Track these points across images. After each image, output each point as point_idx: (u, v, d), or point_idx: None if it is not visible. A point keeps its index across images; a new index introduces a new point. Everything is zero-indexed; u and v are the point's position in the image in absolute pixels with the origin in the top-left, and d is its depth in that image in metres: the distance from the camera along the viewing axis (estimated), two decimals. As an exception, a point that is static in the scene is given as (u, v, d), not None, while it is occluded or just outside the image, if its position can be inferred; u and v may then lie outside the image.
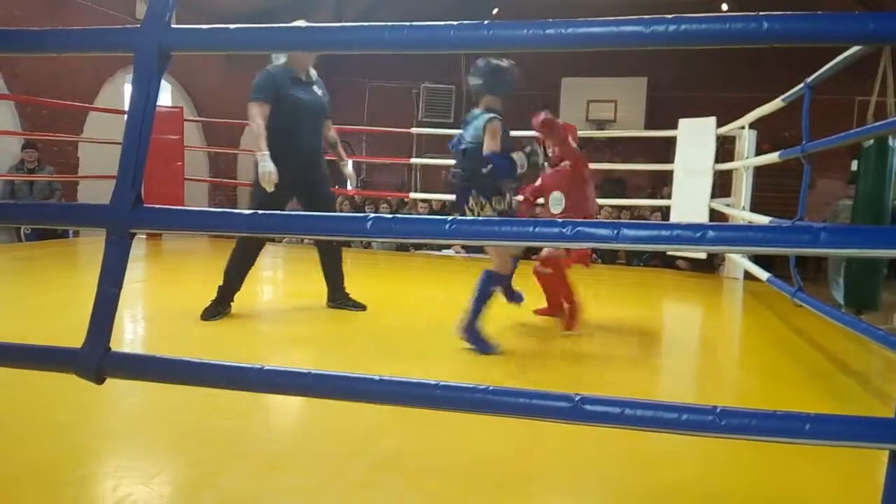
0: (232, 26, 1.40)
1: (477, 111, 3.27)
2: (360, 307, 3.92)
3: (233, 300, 3.65)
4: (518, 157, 3.14)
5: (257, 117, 3.46)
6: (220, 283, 3.62)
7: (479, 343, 3.04)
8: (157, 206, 1.42)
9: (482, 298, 3.08)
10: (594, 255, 3.62)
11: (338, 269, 3.98)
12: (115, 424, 2.13)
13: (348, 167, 3.86)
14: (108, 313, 1.43)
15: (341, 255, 4.03)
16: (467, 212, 3.17)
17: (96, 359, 1.45)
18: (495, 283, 3.14)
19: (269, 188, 3.42)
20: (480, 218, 1.40)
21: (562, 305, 3.57)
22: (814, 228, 1.17)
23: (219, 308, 3.58)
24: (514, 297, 3.59)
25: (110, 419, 2.17)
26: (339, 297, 3.95)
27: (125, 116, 1.46)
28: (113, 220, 1.40)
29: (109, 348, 1.48)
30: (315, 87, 3.73)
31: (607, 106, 12.02)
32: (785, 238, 1.18)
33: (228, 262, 3.67)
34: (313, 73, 3.74)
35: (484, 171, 3.08)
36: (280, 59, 3.59)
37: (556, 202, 3.57)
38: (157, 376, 1.54)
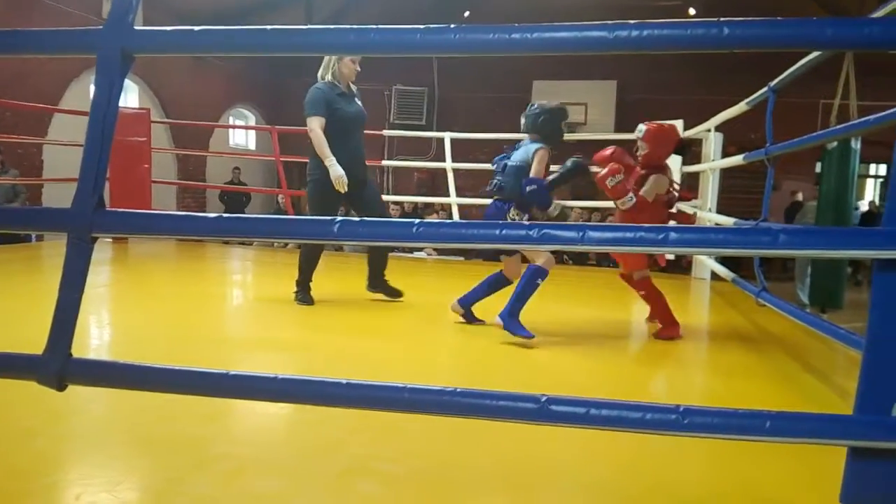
0: (196, 28, 1.39)
1: (529, 139, 3.60)
2: (397, 294, 4.28)
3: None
4: (556, 203, 3.51)
5: (317, 129, 3.89)
6: (297, 276, 4.12)
7: (518, 330, 3.29)
8: (119, 209, 1.40)
9: (527, 291, 3.36)
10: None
11: (380, 258, 4.32)
12: (80, 431, 2.09)
13: (335, 173, 4.07)
14: (69, 319, 1.41)
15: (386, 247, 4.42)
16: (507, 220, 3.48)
17: (57, 365, 1.43)
18: (541, 277, 3.38)
19: (342, 189, 3.89)
20: (448, 221, 1.42)
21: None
22: (773, 230, 1.19)
23: (306, 296, 4.10)
24: (472, 319, 3.74)
25: (75, 426, 2.13)
26: (377, 284, 4.29)
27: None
28: (74, 225, 1.38)
29: (71, 354, 1.46)
30: (356, 100, 4.14)
31: (578, 109, 12.12)
32: (745, 240, 1.20)
33: (300, 257, 4.15)
34: (353, 86, 4.14)
35: (526, 190, 3.41)
36: (326, 76, 3.99)
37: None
38: (121, 382, 1.51)
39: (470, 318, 3.69)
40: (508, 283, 3.61)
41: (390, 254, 8.27)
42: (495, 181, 3.59)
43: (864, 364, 1.29)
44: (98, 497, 1.61)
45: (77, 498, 1.62)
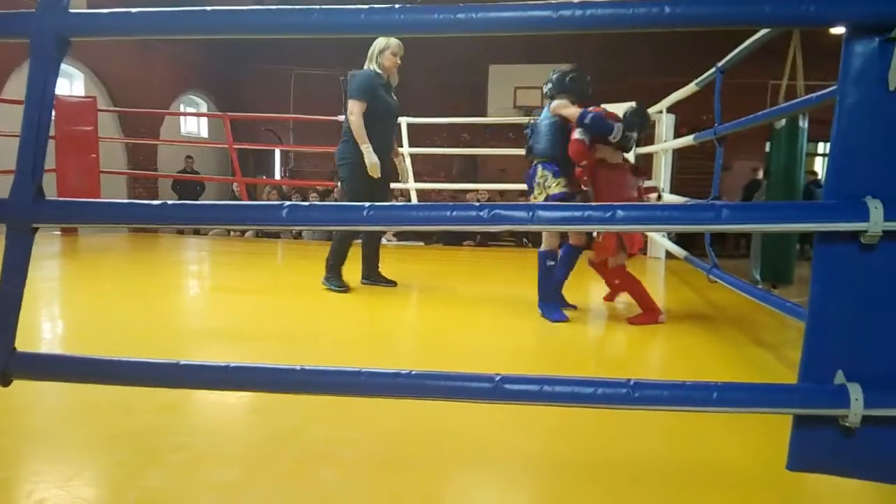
0: (135, 10, 1.35)
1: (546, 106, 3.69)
2: (391, 283, 4.36)
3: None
4: (617, 125, 3.47)
5: (358, 113, 3.94)
6: (330, 260, 4.17)
7: (552, 314, 3.52)
8: (60, 199, 1.36)
9: (544, 276, 3.58)
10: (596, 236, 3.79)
11: (374, 252, 4.42)
12: (29, 427, 2.04)
13: (405, 161, 4.26)
14: (10, 312, 1.37)
15: (379, 240, 4.53)
16: (535, 186, 3.59)
17: (1, 359, 1.39)
18: (550, 259, 3.58)
19: (377, 175, 3.97)
20: (399, 204, 1.41)
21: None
22: (716, 206, 1.22)
23: (340, 282, 4.15)
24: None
25: (24, 422, 2.07)
26: (372, 276, 4.40)
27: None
28: (12, 215, 1.33)
29: (15, 349, 1.42)
30: (392, 94, 4.22)
31: (534, 93, 12.15)
32: (689, 216, 1.22)
33: (332, 245, 4.22)
34: (395, 78, 4.24)
35: (585, 122, 3.42)
36: (371, 66, 4.09)
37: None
38: (68, 376, 1.48)
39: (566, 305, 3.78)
40: (579, 252, 3.73)
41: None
42: (529, 145, 3.71)
43: (806, 334, 1.33)
44: (50, 493, 1.57)
45: (28, 495, 1.58)
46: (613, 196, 3.52)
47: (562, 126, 3.55)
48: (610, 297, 4.03)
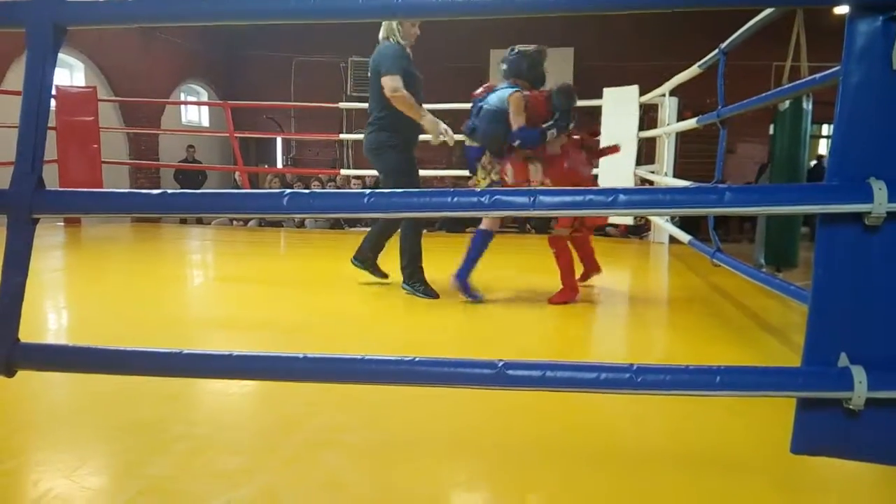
0: (131, -2, 1.34)
1: (506, 83, 3.60)
2: (383, 275, 4.00)
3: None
4: (549, 132, 3.47)
5: (403, 90, 3.51)
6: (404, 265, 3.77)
7: (467, 292, 3.54)
8: (60, 189, 1.36)
9: (476, 254, 3.56)
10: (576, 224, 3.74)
11: (377, 235, 3.94)
12: (35, 418, 2.05)
13: (441, 125, 3.83)
14: (14, 303, 1.37)
15: (395, 231, 3.91)
16: (479, 169, 3.57)
17: (4, 351, 1.39)
18: (486, 239, 3.58)
19: (452, 142, 3.65)
20: (399, 190, 1.42)
21: (595, 266, 3.85)
22: (719, 189, 1.21)
23: (426, 287, 3.73)
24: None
25: (29, 413, 2.08)
26: (367, 261, 3.97)
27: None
28: (12, 205, 1.33)
29: (19, 339, 1.42)
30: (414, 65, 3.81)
31: (536, 77, 12.09)
32: (693, 199, 1.22)
33: (401, 246, 3.77)
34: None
35: (516, 143, 3.44)
36: (392, 38, 3.63)
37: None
38: (72, 366, 1.48)
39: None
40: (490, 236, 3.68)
41: (352, 228, 8.22)
42: (470, 122, 3.61)
43: (809, 317, 1.33)
44: (56, 482, 1.58)
45: (35, 484, 1.59)
46: (566, 181, 3.53)
47: (506, 117, 3.49)
48: (583, 277, 4.00)
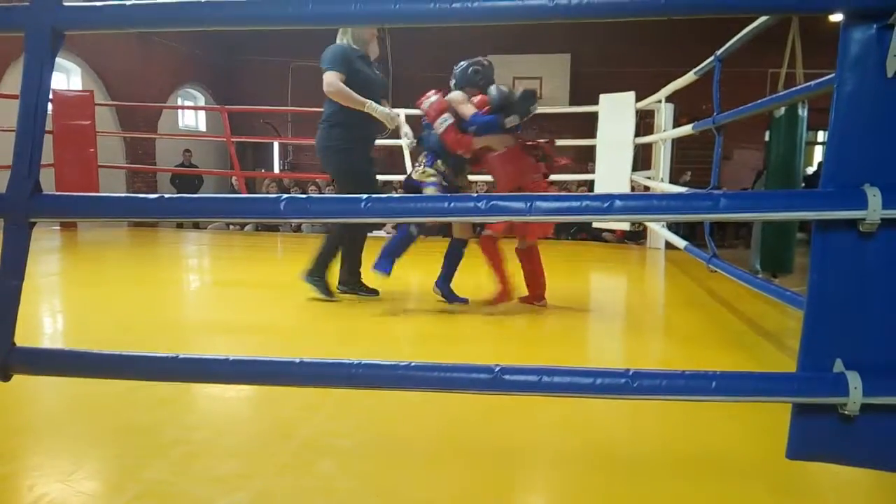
0: (129, 2, 1.34)
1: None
2: (373, 293, 3.84)
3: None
4: (508, 119, 3.38)
5: (339, 83, 3.48)
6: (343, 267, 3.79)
7: (450, 299, 3.64)
8: (57, 193, 1.36)
9: (452, 264, 3.66)
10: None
11: (349, 254, 3.80)
12: (29, 423, 2.05)
13: (405, 126, 3.97)
14: (9, 307, 1.37)
15: (354, 240, 3.81)
16: (416, 168, 3.64)
17: (1, 354, 1.39)
18: (461, 248, 3.66)
19: (394, 125, 3.62)
20: (398, 195, 1.44)
21: (538, 292, 3.67)
22: (714, 195, 1.21)
23: (357, 287, 3.81)
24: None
25: (23, 418, 2.08)
26: (351, 283, 3.85)
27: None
28: (9, 210, 1.33)
29: (15, 343, 1.42)
30: (374, 68, 3.79)
31: (533, 83, 12.12)
32: (687, 205, 1.22)
33: (342, 244, 3.72)
34: (375, 49, 3.79)
35: (472, 130, 3.43)
36: (344, 39, 3.62)
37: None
38: (68, 370, 1.48)
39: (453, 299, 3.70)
40: (464, 245, 3.70)
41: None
42: (422, 135, 3.68)
43: (805, 322, 1.33)
44: (51, 487, 1.58)
45: (30, 489, 1.58)
46: (508, 182, 3.52)
47: (455, 123, 3.47)
48: (526, 299, 3.75)
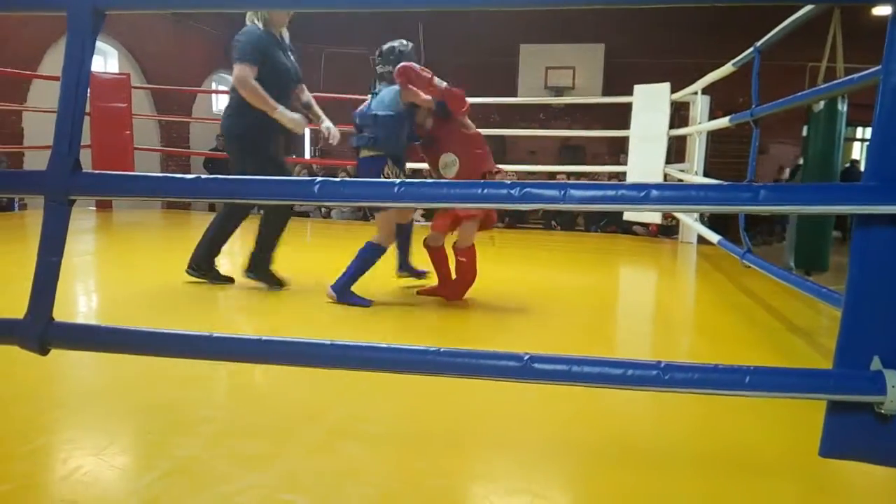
0: (169, -16, 1.36)
1: (383, 86, 3.39)
2: (277, 286, 3.61)
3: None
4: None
5: (251, 81, 3.25)
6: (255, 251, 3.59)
7: (351, 299, 3.25)
8: (96, 171, 1.38)
9: (361, 268, 3.30)
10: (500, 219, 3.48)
11: (260, 237, 3.62)
12: (63, 397, 2.09)
13: (326, 122, 3.75)
14: (49, 282, 1.40)
15: (270, 224, 3.62)
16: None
17: (39, 328, 1.42)
18: (376, 254, 3.33)
19: (301, 131, 3.38)
20: (428, 181, 1.41)
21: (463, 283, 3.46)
22: (754, 187, 1.19)
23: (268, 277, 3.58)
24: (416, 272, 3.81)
25: (57, 392, 2.12)
26: (257, 267, 3.64)
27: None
28: (50, 187, 1.36)
29: (53, 318, 1.45)
30: (290, 54, 3.56)
31: (566, 73, 12.02)
32: (726, 196, 1.20)
33: (265, 226, 3.59)
34: (286, 34, 3.52)
35: (440, 113, 3.27)
36: (256, 20, 3.29)
37: (449, 165, 3.35)
38: (103, 346, 1.51)
39: (415, 273, 3.73)
40: (409, 228, 3.66)
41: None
42: (367, 136, 3.31)
43: (843, 319, 1.30)
44: (85, 461, 1.61)
45: (64, 462, 1.62)
46: (480, 164, 3.31)
47: (405, 117, 3.30)
48: (428, 291, 3.61)
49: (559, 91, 11.80)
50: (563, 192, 1.27)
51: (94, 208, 7.02)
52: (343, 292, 3.26)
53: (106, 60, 10.32)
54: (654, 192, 1.20)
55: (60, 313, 1.50)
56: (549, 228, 9.18)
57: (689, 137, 6.29)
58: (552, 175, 9.26)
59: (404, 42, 3.44)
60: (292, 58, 3.56)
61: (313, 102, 3.86)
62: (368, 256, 3.30)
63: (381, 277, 3.56)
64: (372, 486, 1.56)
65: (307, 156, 13.91)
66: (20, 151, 8.24)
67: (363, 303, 3.24)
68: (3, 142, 7.76)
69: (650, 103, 6.33)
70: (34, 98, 8.41)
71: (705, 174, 6.12)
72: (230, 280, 3.69)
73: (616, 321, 3.48)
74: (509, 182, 1.31)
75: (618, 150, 11.51)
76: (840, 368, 1.30)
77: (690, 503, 1.54)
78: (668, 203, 1.24)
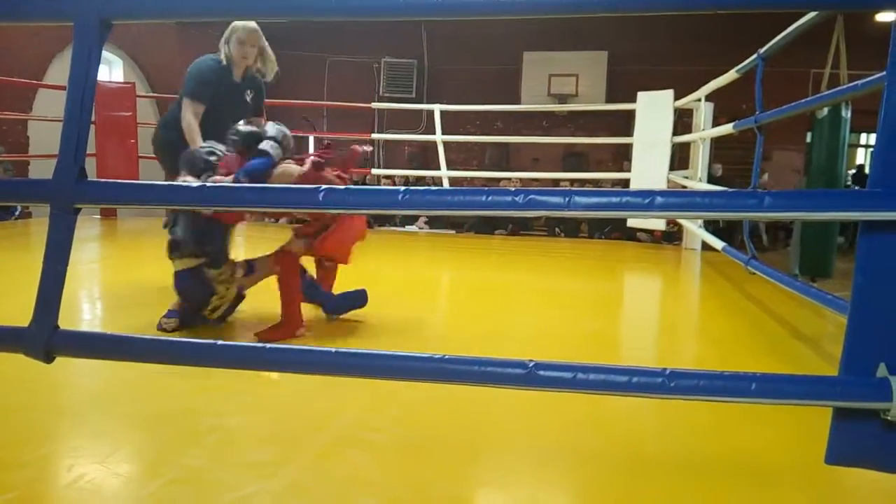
0: (175, -7, 1.36)
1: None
2: None
3: None
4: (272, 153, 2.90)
5: (193, 122, 3.20)
6: None
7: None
8: (102, 180, 1.39)
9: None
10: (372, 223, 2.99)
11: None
12: (68, 405, 2.10)
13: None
14: (54, 290, 1.40)
15: None
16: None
17: (44, 336, 1.42)
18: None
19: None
20: (434, 188, 1.38)
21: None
22: (759, 194, 1.19)
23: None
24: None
25: (62, 400, 2.13)
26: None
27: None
28: (56, 195, 1.36)
29: (58, 326, 1.45)
30: (247, 92, 3.49)
31: (569, 80, 12.02)
32: (731, 203, 1.20)
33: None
34: (269, 72, 3.54)
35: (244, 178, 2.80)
36: (222, 55, 3.35)
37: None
38: (108, 354, 1.51)
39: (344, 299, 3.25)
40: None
41: (381, 227, 8.24)
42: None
43: (848, 325, 1.30)
44: (89, 469, 1.61)
45: (69, 469, 1.62)
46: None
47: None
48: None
49: (562, 98, 11.79)
50: (567, 199, 1.27)
51: (99, 216, 7.04)
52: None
53: (111, 69, 10.37)
54: (659, 199, 1.21)
55: (65, 321, 1.50)
56: (553, 235, 9.17)
57: (693, 144, 6.29)
58: (556, 182, 9.27)
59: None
60: (249, 94, 3.49)
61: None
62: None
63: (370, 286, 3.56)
64: (378, 493, 1.56)
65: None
66: (26, 160, 8.27)
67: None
68: (8, 151, 7.79)
69: (653, 110, 6.33)
70: (40, 107, 8.45)
71: (708, 181, 6.12)
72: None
73: (621, 328, 3.48)
74: (513, 189, 1.32)
75: (621, 157, 11.50)
76: (846, 375, 1.30)
77: (696, 511, 1.53)
78: (672, 210, 1.24)
